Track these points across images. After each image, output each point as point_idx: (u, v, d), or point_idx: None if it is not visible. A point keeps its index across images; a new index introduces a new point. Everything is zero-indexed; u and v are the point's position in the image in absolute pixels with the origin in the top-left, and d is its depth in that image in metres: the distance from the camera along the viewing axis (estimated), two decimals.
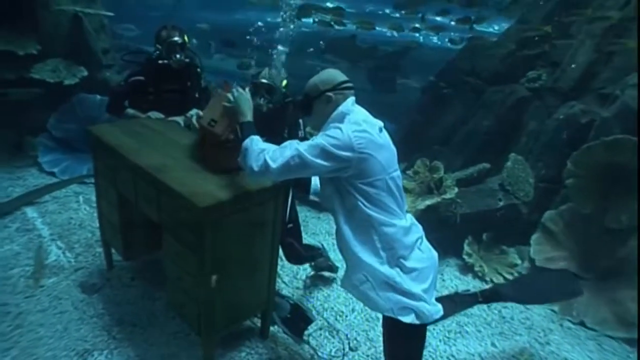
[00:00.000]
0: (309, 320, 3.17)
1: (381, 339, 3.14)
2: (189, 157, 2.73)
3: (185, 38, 3.51)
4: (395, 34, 7.41)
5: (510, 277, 4.22)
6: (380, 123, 2.15)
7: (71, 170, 5.10)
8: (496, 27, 8.10)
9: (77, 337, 2.88)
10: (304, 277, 3.81)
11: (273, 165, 2.00)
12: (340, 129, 1.99)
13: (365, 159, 1.97)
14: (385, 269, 2.02)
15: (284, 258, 3.28)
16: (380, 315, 3.26)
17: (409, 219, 2.16)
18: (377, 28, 7.04)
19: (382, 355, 3.01)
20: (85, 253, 3.75)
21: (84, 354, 2.76)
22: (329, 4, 7.05)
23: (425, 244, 2.21)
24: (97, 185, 3.28)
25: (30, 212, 4.27)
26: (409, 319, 2.01)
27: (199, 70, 3.71)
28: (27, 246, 3.74)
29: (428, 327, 2.23)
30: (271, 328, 3.09)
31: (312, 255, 3.61)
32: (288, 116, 3.23)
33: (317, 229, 4.78)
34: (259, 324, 3.08)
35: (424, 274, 2.08)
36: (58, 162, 5.16)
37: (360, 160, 1.96)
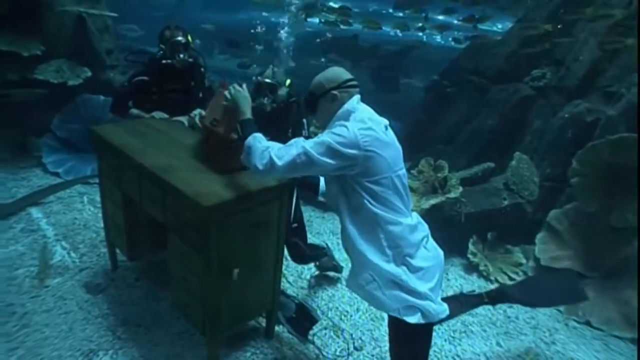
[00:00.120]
0: (314, 320, 3.17)
1: (386, 338, 3.14)
2: (193, 157, 2.73)
3: (189, 38, 3.51)
4: (398, 33, 7.40)
5: (515, 276, 4.21)
6: (385, 121, 2.14)
7: (75, 170, 5.11)
8: (500, 26, 8.08)
9: (82, 337, 2.88)
10: (308, 276, 3.80)
11: (279, 163, 1.99)
12: (346, 126, 1.98)
13: (371, 157, 1.96)
14: (391, 268, 2.02)
15: (288, 258, 3.27)
16: (385, 315, 3.26)
17: (414, 217, 2.16)
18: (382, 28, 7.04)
19: (387, 354, 3.01)
20: (89, 253, 3.75)
21: (89, 354, 2.76)
22: (333, 4, 7.02)
23: (431, 242, 2.20)
24: (101, 186, 3.28)
25: (34, 212, 4.28)
26: (415, 318, 2.00)
27: (202, 69, 3.71)
28: (31, 247, 3.75)
29: (433, 326, 2.22)
30: (276, 328, 3.08)
31: (317, 254, 3.60)
32: (292, 115, 3.23)
33: (322, 228, 4.77)
34: (263, 324, 3.08)
35: (430, 273, 2.07)
36: (62, 162, 5.17)
37: (366, 158, 1.95)
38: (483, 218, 4.42)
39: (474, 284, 4.11)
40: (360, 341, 3.16)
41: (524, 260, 4.32)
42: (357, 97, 2.17)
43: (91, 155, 4.89)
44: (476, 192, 4.61)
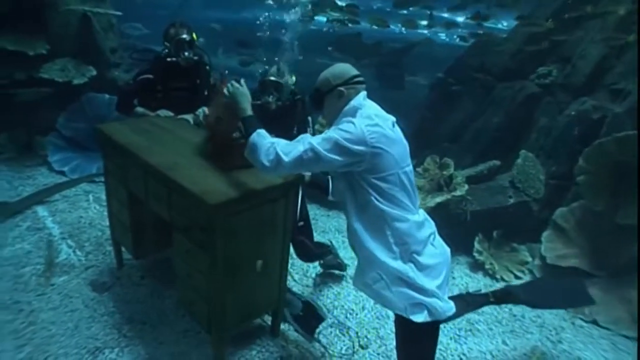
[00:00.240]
0: (320, 318, 3.16)
1: (391, 336, 3.15)
2: (199, 155, 2.73)
3: (194, 35, 3.50)
4: (403, 30, 7.37)
5: (521, 274, 4.20)
6: (392, 118, 2.13)
7: (81, 169, 5.13)
8: (505, 24, 8.04)
9: (88, 335, 2.89)
10: (314, 275, 3.80)
11: (286, 159, 1.97)
12: (353, 123, 1.97)
13: (379, 153, 1.95)
14: (398, 264, 2.01)
15: (294, 256, 3.27)
16: (390, 313, 3.26)
17: (421, 214, 2.15)
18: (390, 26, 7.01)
19: (392, 353, 3.01)
20: (95, 251, 3.76)
21: (95, 352, 2.77)
22: (339, 2, 6.98)
23: (438, 239, 2.19)
24: (107, 184, 3.29)
25: (40, 211, 4.30)
26: (422, 317, 1.99)
27: (207, 67, 3.70)
28: (37, 245, 3.76)
29: (439, 325, 2.21)
30: (282, 326, 3.08)
31: (323, 252, 3.60)
32: (297, 113, 3.22)
33: (327, 226, 4.76)
34: (269, 322, 3.08)
35: (437, 270, 2.06)
36: (68, 161, 5.19)
37: (374, 155, 1.94)
38: (489, 216, 4.40)
39: (480, 282, 4.10)
40: (365, 339, 3.15)
41: (529, 259, 4.31)
42: (363, 93, 2.16)
43: (96, 153, 4.90)
44: (482, 190, 4.59)
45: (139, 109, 3.55)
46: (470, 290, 3.93)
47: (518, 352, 3.23)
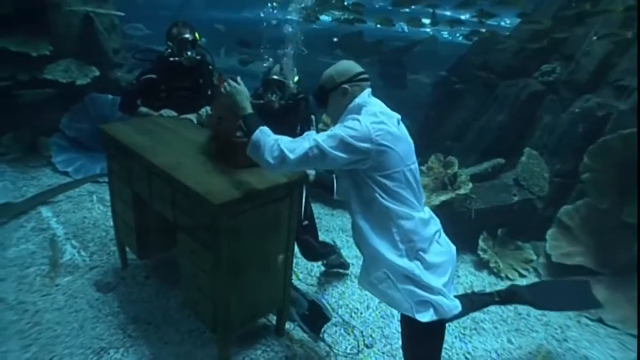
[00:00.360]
0: (326, 318, 3.16)
1: (397, 336, 3.14)
2: (203, 154, 2.73)
3: (197, 35, 3.50)
4: (406, 29, 7.35)
5: (526, 273, 4.19)
6: (397, 115, 2.12)
7: (85, 169, 5.13)
8: (508, 22, 8.02)
9: (93, 335, 2.90)
10: (318, 274, 3.79)
11: (291, 156, 1.96)
12: (359, 120, 1.96)
13: (384, 151, 1.94)
14: (404, 263, 2.00)
15: (298, 255, 3.26)
16: (395, 312, 3.25)
17: (427, 212, 2.14)
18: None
19: (397, 352, 3.00)
20: (99, 252, 3.77)
21: (100, 352, 2.77)
22: (346, 2, 6.97)
23: (444, 237, 2.18)
24: (111, 185, 3.29)
25: (45, 211, 4.31)
26: (428, 316, 1.98)
27: (211, 67, 3.70)
28: (42, 245, 3.77)
29: (446, 324, 2.20)
30: (287, 325, 3.07)
31: (328, 252, 3.60)
32: (300, 112, 3.22)
33: (331, 225, 4.76)
34: (274, 322, 3.07)
35: (443, 268, 2.05)
36: (72, 161, 5.20)
37: (379, 153, 1.93)
38: (493, 214, 4.39)
39: (485, 281, 4.08)
40: (370, 339, 3.14)
41: (534, 257, 4.30)
42: (368, 91, 2.14)
43: (100, 154, 4.91)
44: (486, 188, 4.58)
45: (143, 109, 3.56)
46: (475, 289, 3.92)
47: (524, 351, 3.21)
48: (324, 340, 3.07)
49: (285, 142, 2.01)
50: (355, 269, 3.89)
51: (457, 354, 3.11)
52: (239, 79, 2.33)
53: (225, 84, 2.30)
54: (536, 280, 4.13)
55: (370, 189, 2.00)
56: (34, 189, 4.67)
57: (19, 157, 5.22)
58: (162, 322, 3.06)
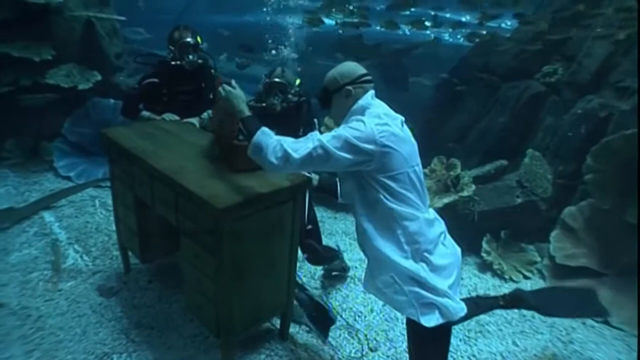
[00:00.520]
0: (331, 320, 3.15)
1: (401, 339, 3.13)
2: (205, 158, 2.72)
3: (198, 39, 3.50)
4: (407, 31, 7.35)
5: (529, 274, 4.17)
6: (401, 117, 2.11)
7: (87, 174, 5.13)
8: (509, 23, 8.01)
9: (95, 340, 2.88)
10: (321, 277, 3.78)
11: (295, 155, 1.95)
12: (363, 121, 1.95)
13: (388, 152, 1.93)
14: (409, 264, 1.98)
15: (301, 259, 3.25)
16: (399, 315, 3.24)
17: (431, 213, 2.13)
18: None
19: (402, 355, 2.99)
20: (102, 256, 3.76)
21: (103, 357, 2.75)
22: (350, 6, 6.99)
23: (449, 239, 2.17)
24: (113, 189, 3.28)
25: (47, 216, 4.31)
26: (433, 320, 1.97)
27: (212, 71, 3.70)
28: (45, 250, 3.76)
29: (451, 327, 2.19)
30: (290, 329, 3.06)
31: (332, 256, 3.58)
32: (302, 115, 3.21)
33: (334, 228, 4.75)
34: (277, 325, 3.06)
35: (448, 270, 2.04)
36: (74, 166, 5.20)
37: (383, 154, 1.92)
38: (496, 216, 4.37)
39: (488, 283, 4.06)
40: (374, 342, 3.13)
41: (538, 259, 4.28)
42: (371, 92, 2.14)
43: (102, 158, 4.92)
44: (489, 190, 4.56)
45: (145, 113, 3.56)
46: (479, 291, 3.91)
47: (528, 353, 3.19)
48: (328, 343, 3.05)
49: (288, 142, 2.00)
50: (359, 271, 3.87)
51: (462, 357, 3.10)
52: (233, 82, 2.31)
53: (220, 90, 2.29)
54: (540, 281, 4.12)
55: (374, 191, 1.99)
56: (36, 194, 4.67)
57: (21, 161, 5.22)
58: (165, 326, 3.05)
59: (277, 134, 2.13)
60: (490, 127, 5.33)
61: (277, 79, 3.08)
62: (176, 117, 3.48)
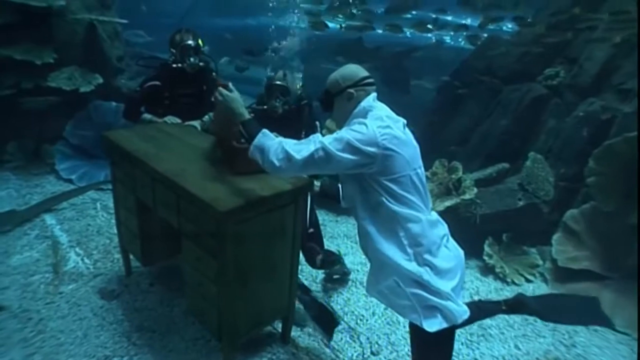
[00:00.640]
0: (335, 321, 3.14)
1: (403, 342, 3.12)
2: (207, 161, 2.72)
3: (200, 42, 3.50)
4: (408, 34, 7.36)
5: (532, 277, 4.16)
6: (403, 120, 2.11)
7: (88, 177, 5.14)
8: (510, 26, 8.02)
9: (97, 343, 2.87)
10: (323, 281, 3.77)
11: (297, 156, 1.94)
12: (365, 124, 1.94)
13: (390, 155, 1.92)
14: (413, 267, 1.97)
15: (303, 262, 3.24)
16: (402, 319, 3.23)
17: (434, 215, 2.12)
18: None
19: (403, 359, 2.97)
20: (103, 259, 3.75)
21: None
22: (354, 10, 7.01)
23: (452, 242, 2.16)
24: (114, 192, 3.28)
25: (48, 219, 4.30)
26: (436, 325, 1.95)
27: (214, 74, 3.70)
28: (46, 253, 3.76)
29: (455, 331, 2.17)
30: (292, 332, 3.05)
31: (333, 260, 3.57)
32: (304, 118, 3.21)
33: (335, 232, 4.74)
34: (279, 329, 3.05)
35: (452, 273, 2.03)
36: (75, 169, 5.21)
37: (385, 157, 1.92)
38: (498, 219, 4.37)
39: (490, 286, 4.05)
40: (376, 345, 3.12)
41: (540, 262, 4.27)
42: (373, 95, 2.13)
43: (104, 161, 4.92)
44: (491, 193, 4.56)
45: (147, 116, 3.56)
46: (481, 294, 3.90)
47: (531, 357, 3.18)
48: (329, 347, 3.04)
49: (289, 143, 2.00)
50: (360, 275, 3.86)
51: None
52: (230, 85, 2.30)
53: (216, 94, 2.26)
54: (542, 284, 4.10)
55: (376, 193, 1.98)
56: (38, 197, 4.67)
57: (23, 164, 5.23)
58: (167, 329, 3.04)
59: (278, 136, 2.13)
60: (492, 130, 5.33)
61: (278, 82, 3.08)
62: (178, 120, 3.48)
